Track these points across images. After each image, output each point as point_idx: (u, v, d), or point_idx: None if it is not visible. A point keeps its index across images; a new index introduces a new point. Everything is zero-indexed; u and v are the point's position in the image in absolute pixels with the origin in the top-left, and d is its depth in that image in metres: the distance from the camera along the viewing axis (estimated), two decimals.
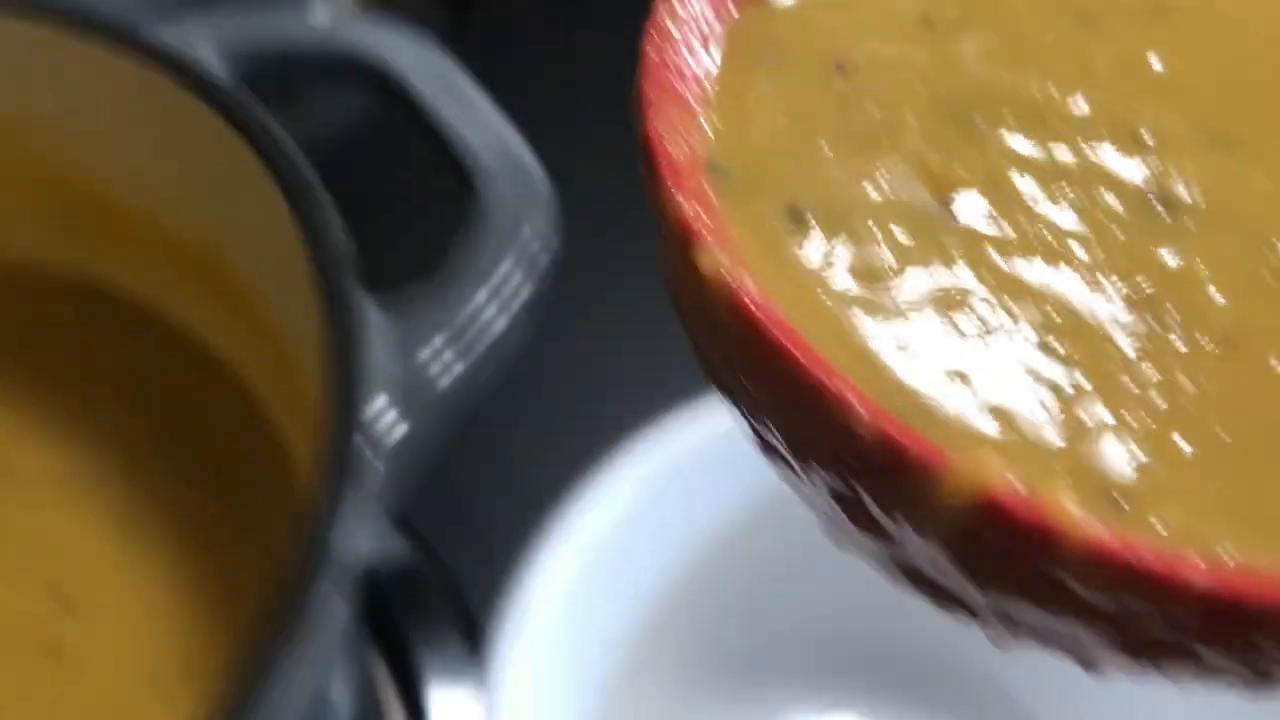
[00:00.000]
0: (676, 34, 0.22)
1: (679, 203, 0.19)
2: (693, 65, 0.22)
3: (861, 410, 0.17)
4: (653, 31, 0.21)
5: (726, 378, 0.19)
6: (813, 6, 0.23)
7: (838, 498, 0.18)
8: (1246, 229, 0.20)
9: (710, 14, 0.22)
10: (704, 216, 0.19)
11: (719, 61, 0.22)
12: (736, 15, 0.23)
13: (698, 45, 0.22)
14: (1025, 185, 0.20)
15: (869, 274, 0.19)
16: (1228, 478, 0.17)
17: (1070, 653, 0.18)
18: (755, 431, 0.19)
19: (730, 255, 0.18)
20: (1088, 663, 0.18)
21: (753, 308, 0.18)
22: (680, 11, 0.22)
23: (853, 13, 0.23)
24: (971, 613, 0.18)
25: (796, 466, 0.19)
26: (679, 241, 0.19)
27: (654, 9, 0.22)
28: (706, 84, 0.22)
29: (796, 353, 0.17)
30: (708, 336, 0.19)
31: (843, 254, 0.19)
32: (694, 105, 0.21)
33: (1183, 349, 0.19)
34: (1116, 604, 0.16)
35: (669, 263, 0.19)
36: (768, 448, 0.19)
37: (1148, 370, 0.18)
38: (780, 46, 0.22)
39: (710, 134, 0.21)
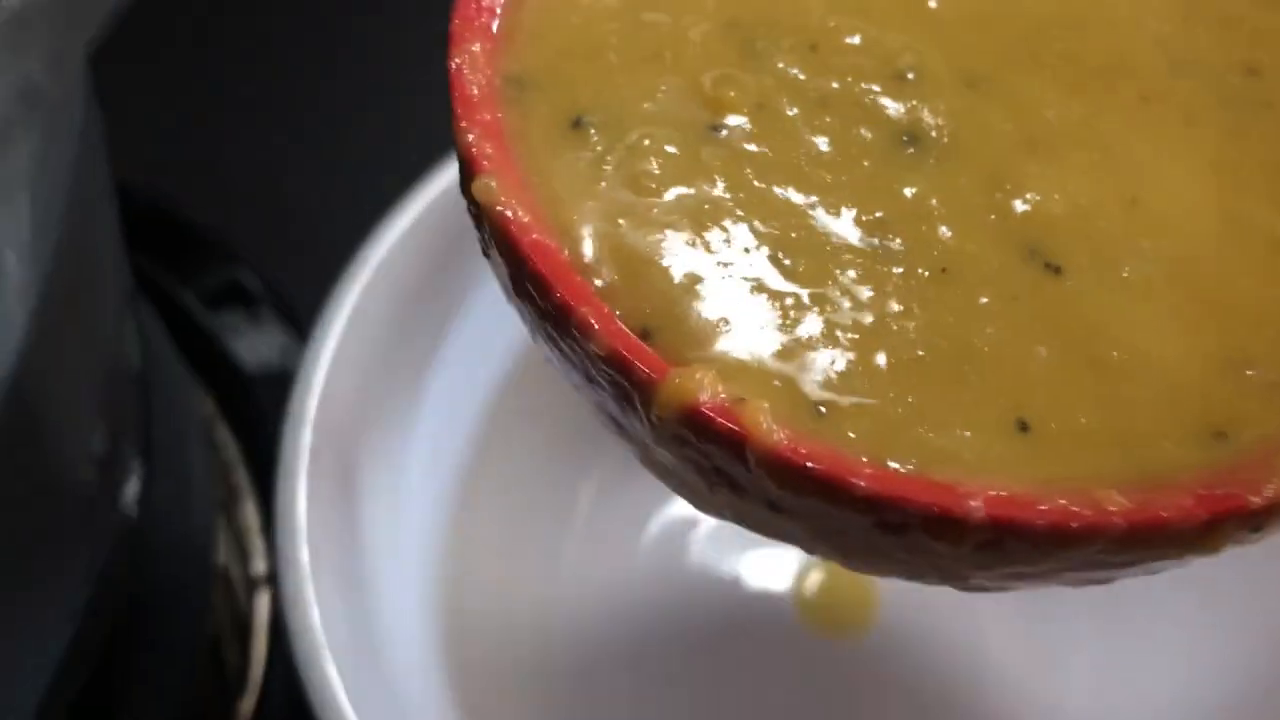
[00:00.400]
0: None
1: (463, 136, 0.20)
2: None
3: (596, 327, 0.19)
4: None
5: (513, 299, 0.20)
6: None
7: (597, 407, 0.20)
8: (982, 167, 0.21)
9: None
10: (487, 146, 0.20)
11: None
12: None
13: None
14: (790, 111, 0.21)
15: (635, 186, 0.20)
16: (918, 393, 0.19)
17: (804, 548, 0.20)
18: (543, 350, 0.21)
19: (508, 177, 0.20)
20: (817, 555, 0.20)
21: (513, 229, 0.19)
22: None
23: None
24: (719, 512, 0.20)
25: (570, 381, 0.20)
26: (463, 173, 0.20)
27: None
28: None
29: (545, 270, 0.19)
30: (493, 261, 0.20)
31: (614, 164, 0.21)
32: (498, 24, 0.22)
33: (899, 273, 0.20)
34: (804, 502, 0.18)
35: (464, 193, 0.20)
36: (551, 363, 0.21)
37: (864, 290, 0.20)
38: None
39: (511, 46, 0.22)
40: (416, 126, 0.30)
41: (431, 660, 0.30)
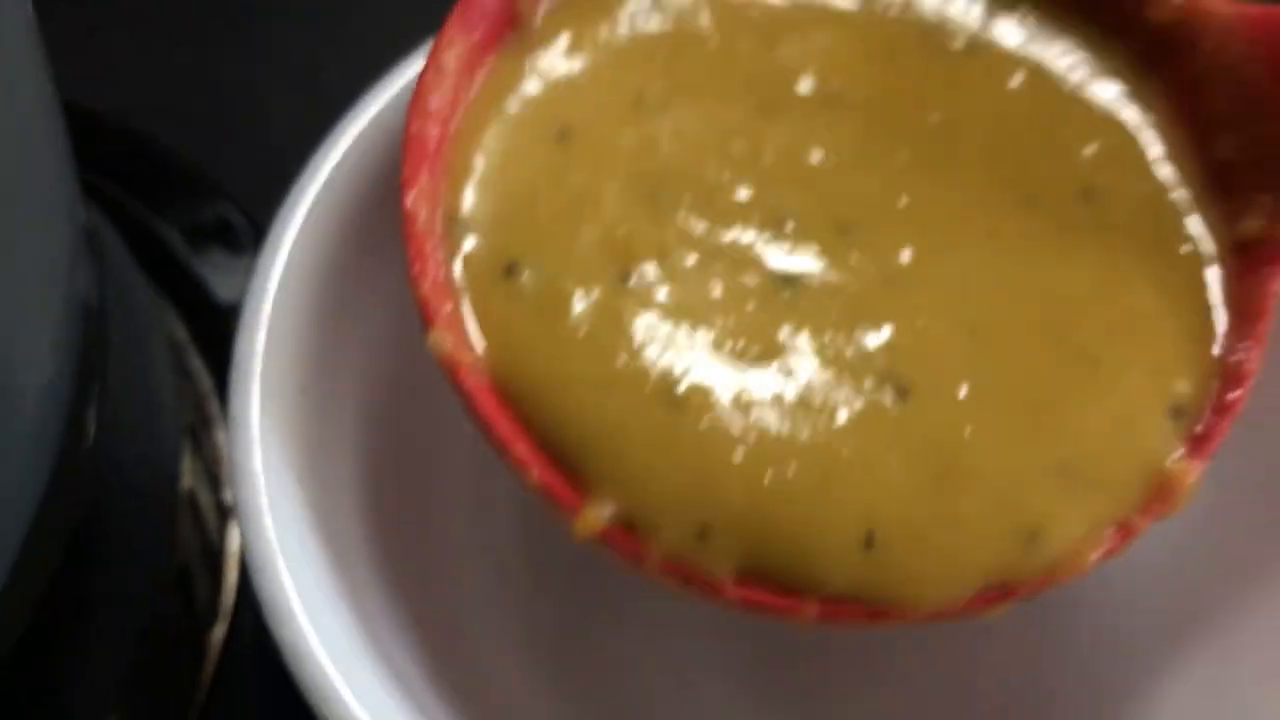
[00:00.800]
0: (434, 101, 0.25)
1: (418, 288, 0.24)
2: (446, 125, 0.25)
3: (528, 466, 0.23)
4: (415, 101, 0.24)
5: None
6: (552, 69, 0.26)
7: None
8: (845, 306, 0.24)
9: (465, 66, 0.25)
10: (439, 299, 0.23)
11: (467, 117, 0.25)
12: (490, 67, 0.25)
13: (449, 107, 0.25)
14: (689, 260, 0.24)
15: (554, 330, 0.23)
16: (786, 508, 0.23)
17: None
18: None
19: (457, 325, 0.24)
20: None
21: (461, 376, 0.23)
22: (439, 72, 0.25)
23: (584, 82, 0.26)
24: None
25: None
26: (421, 321, 0.24)
27: (420, 76, 0.25)
28: (458, 139, 0.25)
29: (486, 415, 0.23)
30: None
31: (542, 308, 0.24)
32: (446, 164, 0.25)
33: (771, 401, 0.23)
34: (691, 593, 0.23)
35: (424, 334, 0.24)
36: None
37: (742, 419, 0.23)
38: (519, 105, 0.25)
39: (456, 187, 0.24)
40: (401, 50, 0.29)
41: (395, 568, 0.29)
